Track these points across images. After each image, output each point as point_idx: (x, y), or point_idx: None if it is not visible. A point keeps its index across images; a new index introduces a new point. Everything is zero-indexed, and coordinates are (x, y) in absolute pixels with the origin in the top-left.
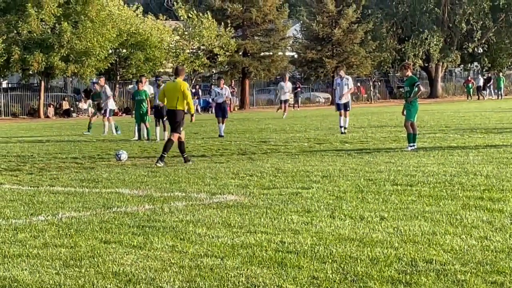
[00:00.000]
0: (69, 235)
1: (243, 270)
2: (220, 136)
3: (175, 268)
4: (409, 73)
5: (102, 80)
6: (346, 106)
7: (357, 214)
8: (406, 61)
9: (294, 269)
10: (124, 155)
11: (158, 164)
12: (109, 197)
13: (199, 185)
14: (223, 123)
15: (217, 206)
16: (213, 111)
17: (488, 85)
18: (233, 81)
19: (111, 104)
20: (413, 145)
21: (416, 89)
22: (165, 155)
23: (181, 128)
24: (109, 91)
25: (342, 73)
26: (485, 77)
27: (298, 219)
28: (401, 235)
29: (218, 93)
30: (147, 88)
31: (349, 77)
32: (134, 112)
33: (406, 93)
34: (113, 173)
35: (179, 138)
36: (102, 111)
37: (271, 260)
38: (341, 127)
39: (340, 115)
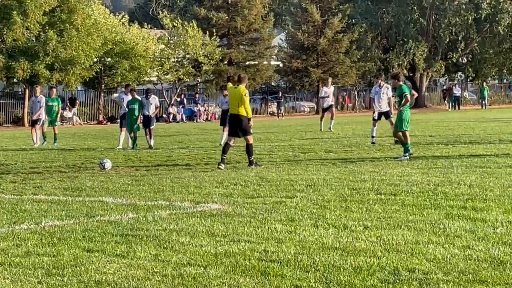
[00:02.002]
0: (52, 243)
1: (226, 279)
2: (220, 145)
3: (158, 277)
4: (400, 82)
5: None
6: (387, 115)
7: (340, 223)
8: (397, 70)
9: (277, 278)
10: (108, 164)
11: (253, 166)
12: (93, 205)
13: (183, 194)
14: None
15: (200, 215)
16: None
17: (448, 95)
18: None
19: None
20: (406, 155)
21: (404, 99)
22: (252, 158)
23: (251, 131)
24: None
25: (381, 81)
26: (444, 87)
27: (282, 228)
28: (384, 244)
29: (222, 100)
30: (126, 97)
31: (388, 85)
32: (126, 120)
33: (398, 103)
34: (96, 182)
35: (247, 140)
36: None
37: (254, 269)
38: (373, 137)
39: (374, 125)
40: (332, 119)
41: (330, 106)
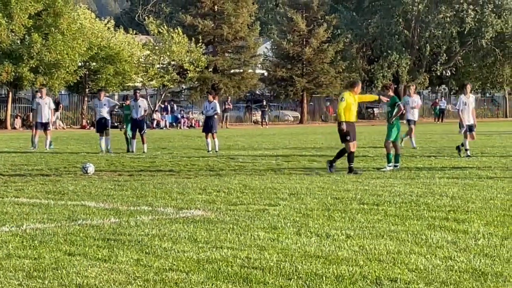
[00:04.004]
0: (33, 246)
1: (208, 285)
2: (209, 151)
3: (139, 282)
4: (390, 93)
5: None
6: (471, 128)
7: (323, 231)
8: (388, 81)
9: (259, 285)
10: (91, 168)
11: (352, 175)
12: (75, 209)
13: (166, 200)
14: (213, 138)
15: (183, 221)
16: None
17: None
18: (229, 97)
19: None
20: (397, 165)
21: (397, 109)
22: (352, 165)
23: (348, 137)
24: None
25: (468, 89)
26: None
27: (265, 235)
28: (366, 253)
29: (206, 107)
30: (106, 101)
31: (473, 96)
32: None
33: (389, 113)
34: (79, 186)
35: (347, 147)
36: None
37: (236, 275)
38: (466, 150)
39: (466, 137)
40: (407, 135)
41: (411, 121)
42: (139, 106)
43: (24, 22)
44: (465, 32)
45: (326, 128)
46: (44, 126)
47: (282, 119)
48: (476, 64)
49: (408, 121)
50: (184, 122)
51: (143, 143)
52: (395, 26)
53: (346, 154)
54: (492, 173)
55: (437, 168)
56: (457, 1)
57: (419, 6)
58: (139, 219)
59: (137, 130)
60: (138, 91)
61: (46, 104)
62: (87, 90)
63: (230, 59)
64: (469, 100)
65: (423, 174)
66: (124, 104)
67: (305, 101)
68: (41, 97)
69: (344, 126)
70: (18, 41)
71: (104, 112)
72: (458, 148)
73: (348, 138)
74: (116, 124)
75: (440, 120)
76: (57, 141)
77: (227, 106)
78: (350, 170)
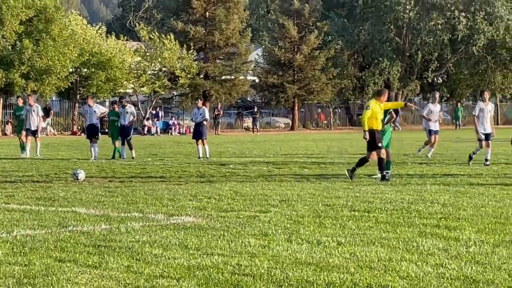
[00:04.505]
0: (23, 253)
1: None
2: (199, 158)
3: None
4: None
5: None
6: (487, 136)
7: (314, 238)
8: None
9: None
10: (81, 174)
11: (383, 182)
12: (65, 216)
13: (156, 206)
14: (203, 144)
15: (174, 227)
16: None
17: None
18: (219, 103)
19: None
20: (388, 172)
21: (389, 116)
22: (384, 172)
23: (379, 144)
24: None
25: (486, 96)
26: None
27: (255, 242)
28: (357, 260)
29: (195, 113)
30: (96, 108)
31: (492, 104)
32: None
33: (381, 120)
34: (70, 192)
35: (379, 154)
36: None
37: (227, 282)
38: (486, 159)
39: (481, 146)
40: (427, 145)
41: (436, 132)
42: (127, 113)
43: (15, 28)
44: (457, 39)
45: (317, 135)
46: (33, 133)
47: (273, 125)
48: (467, 71)
49: (429, 131)
50: (175, 129)
51: (130, 149)
52: (386, 33)
53: (365, 163)
54: (483, 181)
55: (429, 175)
56: (448, 8)
57: (411, 13)
58: (129, 226)
59: (123, 136)
60: (123, 99)
61: (34, 111)
62: (78, 96)
63: (222, 65)
64: (487, 107)
65: (414, 181)
66: (111, 110)
67: (296, 108)
68: (30, 105)
69: (367, 135)
70: (9, 47)
71: (94, 119)
72: (470, 157)
73: (380, 144)
74: (107, 130)
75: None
76: (48, 147)
77: (216, 113)
78: (383, 178)
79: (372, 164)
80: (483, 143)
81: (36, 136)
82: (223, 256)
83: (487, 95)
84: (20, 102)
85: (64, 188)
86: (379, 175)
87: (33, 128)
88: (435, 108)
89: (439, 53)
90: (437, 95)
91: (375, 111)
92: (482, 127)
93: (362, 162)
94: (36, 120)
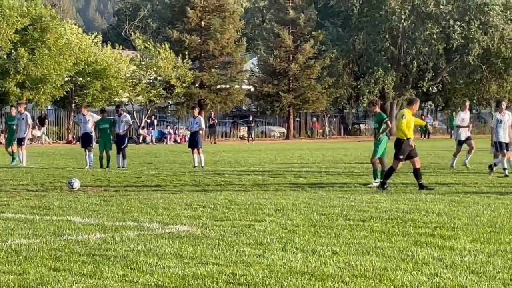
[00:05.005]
0: (18, 262)
1: None
2: (195, 167)
3: None
4: (377, 109)
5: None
6: (507, 146)
7: (309, 248)
8: (374, 97)
9: None
10: (76, 183)
11: (381, 190)
12: (60, 224)
13: (151, 215)
14: (198, 153)
15: (169, 236)
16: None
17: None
18: (212, 112)
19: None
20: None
21: (385, 125)
22: (385, 181)
23: (401, 156)
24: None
25: (503, 107)
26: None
27: (250, 251)
28: (352, 270)
29: (191, 122)
30: (90, 116)
31: (510, 112)
32: (98, 140)
33: (375, 130)
34: (64, 201)
35: (395, 164)
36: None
37: None
38: (504, 169)
39: (497, 156)
40: (470, 153)
41: (468, 138)
42: (122, 121)
43: (10, 37)
44: (452, 48)
45: (312, 144)
46: (19, 142)
47: (269, 134)
48: (462, 80)
49: (459, 141)
50: (170, 138)
51: (123, 158)
52: (381, 42)
53: (383, 171)
54: (478, 190)
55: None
56: (443, 17)
57: (405, 23)
58: (124, 235)
59: (119, 145)
60: (119, 107)
61: (23, 119)
62: (73, 105)
63: (217, 74)
64: (504, 117)
65: (409, 190)
66: (100, 118)
67: (291, 117)
68: (20, 113)
69: (412, 142)
70: (5, 56)
71: (88, 127)
72: (490, 167)
73: (401, 157)
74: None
75: (426, 136)
76: (43, 156)
77: (211, 122)
78: (382, 185)
79: (367, 173)
80: (504, 152)
81: (22, 144)
82: (218, 265)
83: (504, 105)
84: (14, 111)
85: (59, 197)
86: (374, 184)
87: (20, 136)
88: (465, 116)
89: (434, 62)
90: (467, 103)
91: (409, 120)
92: (501, 137)
93: (391, 172)
94: (24, 129)
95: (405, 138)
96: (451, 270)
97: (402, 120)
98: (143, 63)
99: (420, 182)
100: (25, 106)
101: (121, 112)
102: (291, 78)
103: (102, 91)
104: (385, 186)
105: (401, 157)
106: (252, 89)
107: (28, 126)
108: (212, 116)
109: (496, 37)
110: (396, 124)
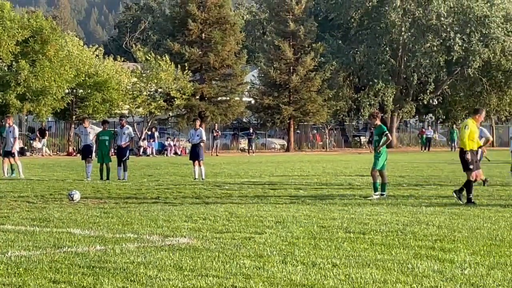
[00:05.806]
0: (18, 274)
1: None
2: (195, 179)
3: None
4: (378, 122)
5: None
6: None
7: (309, 260)
8: (375, 110)
9: None
10: (77, 195)
11: (469, 204)
12: (60, 236)
13: (151, 227)
14: (199, 166)
15: (169, 248)
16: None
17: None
18: (216, 124)
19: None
20: (383, 194)
21: (385, 138)
22: (471, 195)
23: (471, 166)
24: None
25: None
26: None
27: (250, 263)
28: (352, 282)
29: (192, 134)
30: (91, 129)
31: None
32: (97, 152)
33: (375, 142)
34: (65, 213)
35: (474, 176)
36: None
37: None
38: None
39: None
40: None
41: None
42: (124, 133)
43: (11, 49)
44: (452, 61)
45: (312, 156)
46: (10, 155)
47: (269, 147)
48: (463, 93)
49: None
50: (170, 150)
51: (124, 170)
52: (381, 54)
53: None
54: (478, 202)
55: (424, 197)
56: (444, 29)
57: (406, 35)
58: (124, 247)
59: (120, 157)
60: (122, 119)
61: (10, 132)
62: (74, 117)
63: (217, 86)
64: None
65: (409, 203)
66: (100, 130)
67: (292, 129)
68: (9, 125)
69: (469, 155)
70: (5, 68)
71: (89, 140)
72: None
73: (472, 167)
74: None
75: (426, 149)
76: (43, 168)
77: (215, 134)
78: (469, 200)
79: (367, 185)
80: None
81: (13, 156)
82: (218, 278)
83: None
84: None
85: (59, 209)
86: (374, 197)
87: (7, 150)
88: None
89: (435, 74)
90: None
91: (472, 130)
92: None
93: (469, 185)
94: (11, 141)
95: (467, 150)
96: (452, 283)
97: (464, 130)
98: (143, 75)
99: (469, 196)
100: (13, 120)
101: (124, 124)
102: (291, 90)
103: (103, 103)
104: (472, 200)
105: (471, 167)
106: (253, 101)
107: (14, 139)
108: (216, 128)
109: (497, 49)
110: (459, 134)
